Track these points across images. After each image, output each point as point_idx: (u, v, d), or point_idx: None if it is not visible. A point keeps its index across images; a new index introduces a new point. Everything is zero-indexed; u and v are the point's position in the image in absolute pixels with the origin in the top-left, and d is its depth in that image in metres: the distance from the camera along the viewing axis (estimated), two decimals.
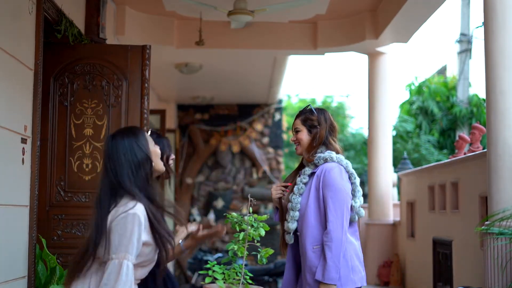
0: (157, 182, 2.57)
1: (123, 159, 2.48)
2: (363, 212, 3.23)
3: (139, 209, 2.40)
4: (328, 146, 3.27)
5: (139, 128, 2.63)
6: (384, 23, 7.23)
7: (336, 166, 3.16)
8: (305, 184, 3.24)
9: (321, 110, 3.36)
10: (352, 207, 3.16)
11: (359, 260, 3.16)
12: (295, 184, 3.28)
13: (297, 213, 3.20)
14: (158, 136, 3.35)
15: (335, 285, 3.01)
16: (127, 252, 2.33)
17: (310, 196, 3.16)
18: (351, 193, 3.17)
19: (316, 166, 3.22)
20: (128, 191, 2.45)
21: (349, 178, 3.19)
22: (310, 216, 3.13)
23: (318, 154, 3.22)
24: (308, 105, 3.38)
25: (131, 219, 2.36)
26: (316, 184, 3.16)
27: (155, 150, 2.61)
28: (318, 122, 3.29)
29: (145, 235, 2.42)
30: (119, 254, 2.33)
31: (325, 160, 3.19)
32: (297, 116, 3.36)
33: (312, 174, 3.23)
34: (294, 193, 3.25)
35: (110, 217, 2.41)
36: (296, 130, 3.34)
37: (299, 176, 3.29)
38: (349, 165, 3.21)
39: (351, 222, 3.17)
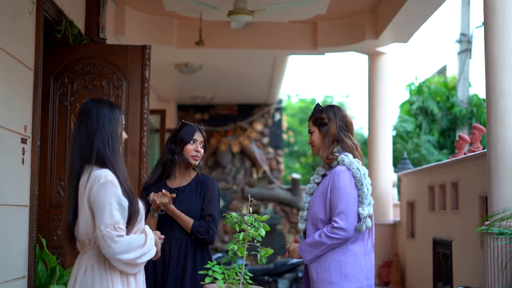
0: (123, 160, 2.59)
1: (101, 123, 2.50)
2: (369, 222, 3.02)
3: (109, 175, 2.43)
4: (340, 143, 3.13)
5: (118, 106, 2.65)
6: (384, 23, 7.24)
7: (345, 170, 3.02)
8: (317, 184, 3.16)
9: (330, 106, 3.21)
10: (358, 215, 2.99)
11: (359, 269, 3.02)
12: (309, 182, 3.22)
13: (305, 213, 3.13)
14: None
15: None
16: (110, 219, 2.36)
17: (317, 197, 3.09)
18: (358, 200, 3.00)
19: (330, 167, 3.12)
20: (100, 154, 2.47)
21: (356, 184, 3.01)
22: (313, 218, 3.08)
23: (336, 154, 3.10)
24: (317, 104, 3.26)
25: (103, 187, 2.39)
26: (325, 186, 3.06)
27: (123, 133, 2.62)
28: (327, 118, 3.15)
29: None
30: (102, 226, 2.36)
31: (338, 163, 3.07)
32: (309, 118, 3.24)
33: (325, 175, 3.14)
34: (305, 192, 3.19)
35: (87, 192, 2.42)
36: (309, 132, 3.22)
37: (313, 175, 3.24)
38: (359, 171, 3.02)
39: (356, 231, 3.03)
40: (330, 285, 2.98)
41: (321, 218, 3.05)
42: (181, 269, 3.29)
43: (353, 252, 3.02)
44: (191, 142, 3.39)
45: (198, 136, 3.43)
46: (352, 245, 3.03)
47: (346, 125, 3.17)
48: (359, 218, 3.00)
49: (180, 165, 3.42)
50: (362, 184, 3.00)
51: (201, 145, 3.44)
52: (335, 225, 2.95)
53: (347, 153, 3.09)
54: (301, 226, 3.14)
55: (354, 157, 3.10)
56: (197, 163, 3.44)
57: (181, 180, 3.44)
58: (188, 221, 3.28)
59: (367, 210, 2.99)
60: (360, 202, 3.00)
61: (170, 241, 3.28)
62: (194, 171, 3.46)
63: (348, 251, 3.02)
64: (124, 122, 2.62)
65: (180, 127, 3.46)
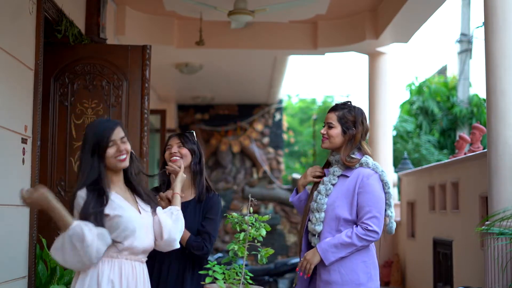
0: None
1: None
2: (395, 224, 3.10)
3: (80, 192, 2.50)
4: (360, 149, 3.11)
5: (112, 121, 2.62)
6: (384, 23, 7.23)
7: (373, 173, 3.02)
8: (333, 185, 3.10)
9: (360, 110, 3.15)
10: (387, 217, 3.04)
11: (376, 269, 3.08)
12: (322, 183, 3.12)
13: (322, 214, 3.06)
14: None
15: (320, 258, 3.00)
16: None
17: (340, 199, 3.04)
18: (386, 203, 3.03)
19: (347, 168, 3.07)
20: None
21: (383, 187, 3.03)
22: (333, 220, 3.04)
23: (354, 157, 3.08)
24: (349, 101, 3.19)
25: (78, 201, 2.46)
26: (351, 188, 3.03)
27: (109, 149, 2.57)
28: (354, 124, 3.10)
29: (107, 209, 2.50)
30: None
31: (361, 165, 3.05)
32: (333, 110, 3.14)
33: (342, 176, 3.09)
34: (320, 193, 3.10)
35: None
36: (329, 125, 3.11)
37: (327, 175, 3.15)
38: (385, 173, 3.06)
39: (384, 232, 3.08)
40: (359, 286, 2.99)
41: (345, 218, 3.02)
42: (180, 284, 3.24)
43: (372, 252, 3.08)
44: (167, 148, 3.30)
45: (173, 141, 3.32)
46: (371, 247, 3.08)
47: (366, 134, 3.18)
48: (387, 220, 3.06)
49: (172, 176, 3.31)
50: (389, 187, 3.04)
51: (178, 146, 3.28)
52: (370, 228, 2.96)
53: (367, 156, 3.10)
54: (318, 228, 3.06)
55: None
56: (177, 168, 3.23)
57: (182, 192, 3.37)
58: (185, 233, 3.15)
59: (393, 211, 3.06)
60: (388, 205, 3.04)
61: (169, 254, 3.14)
62: (194, 184, 3.32)
63: (369, 252, 3.06)
64: (112, 136, 2.54)
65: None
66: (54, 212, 2.37)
